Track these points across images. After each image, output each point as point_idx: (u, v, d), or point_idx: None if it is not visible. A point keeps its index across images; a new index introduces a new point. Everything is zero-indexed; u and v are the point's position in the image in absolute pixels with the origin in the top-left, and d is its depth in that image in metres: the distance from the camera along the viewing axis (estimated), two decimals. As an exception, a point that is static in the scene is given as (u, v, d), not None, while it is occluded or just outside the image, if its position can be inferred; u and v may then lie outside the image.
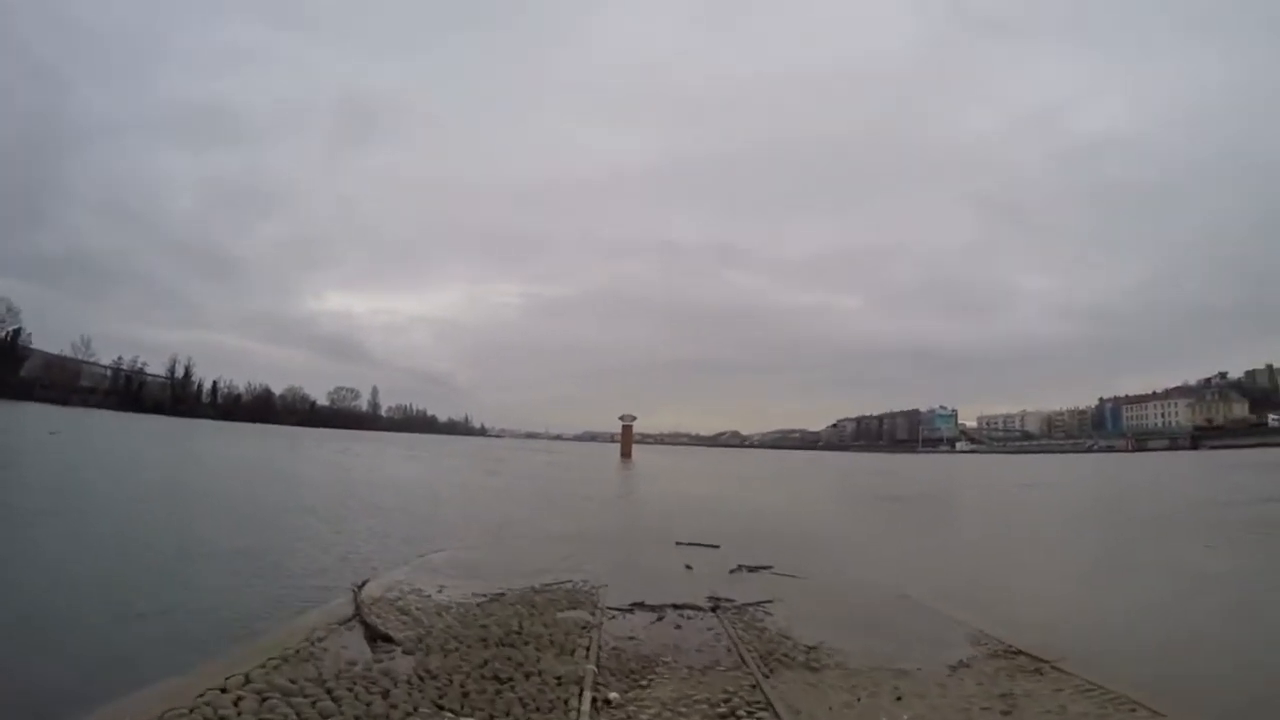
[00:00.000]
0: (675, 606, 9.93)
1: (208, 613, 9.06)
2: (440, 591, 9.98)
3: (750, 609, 10.13)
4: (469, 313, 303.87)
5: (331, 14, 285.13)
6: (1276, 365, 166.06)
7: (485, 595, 9.88)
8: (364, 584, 10.09)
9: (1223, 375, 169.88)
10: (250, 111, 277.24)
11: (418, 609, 8.94)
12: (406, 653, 7.20)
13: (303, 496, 23.23)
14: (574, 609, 9.48)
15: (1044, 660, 7.99)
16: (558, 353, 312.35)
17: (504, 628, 8.22)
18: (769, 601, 10.55)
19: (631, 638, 8.38)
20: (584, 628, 8.55)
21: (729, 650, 8.13)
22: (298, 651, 6.96)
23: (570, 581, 11.20)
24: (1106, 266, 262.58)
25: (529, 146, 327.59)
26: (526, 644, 7.68)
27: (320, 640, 7.37)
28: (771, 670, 7.49)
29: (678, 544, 15.94)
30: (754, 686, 6.94)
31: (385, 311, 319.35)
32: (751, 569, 13.25)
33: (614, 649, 7.87)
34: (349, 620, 8.17)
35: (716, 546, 15.86)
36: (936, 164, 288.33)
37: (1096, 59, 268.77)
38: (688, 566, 13.29)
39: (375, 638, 7.53)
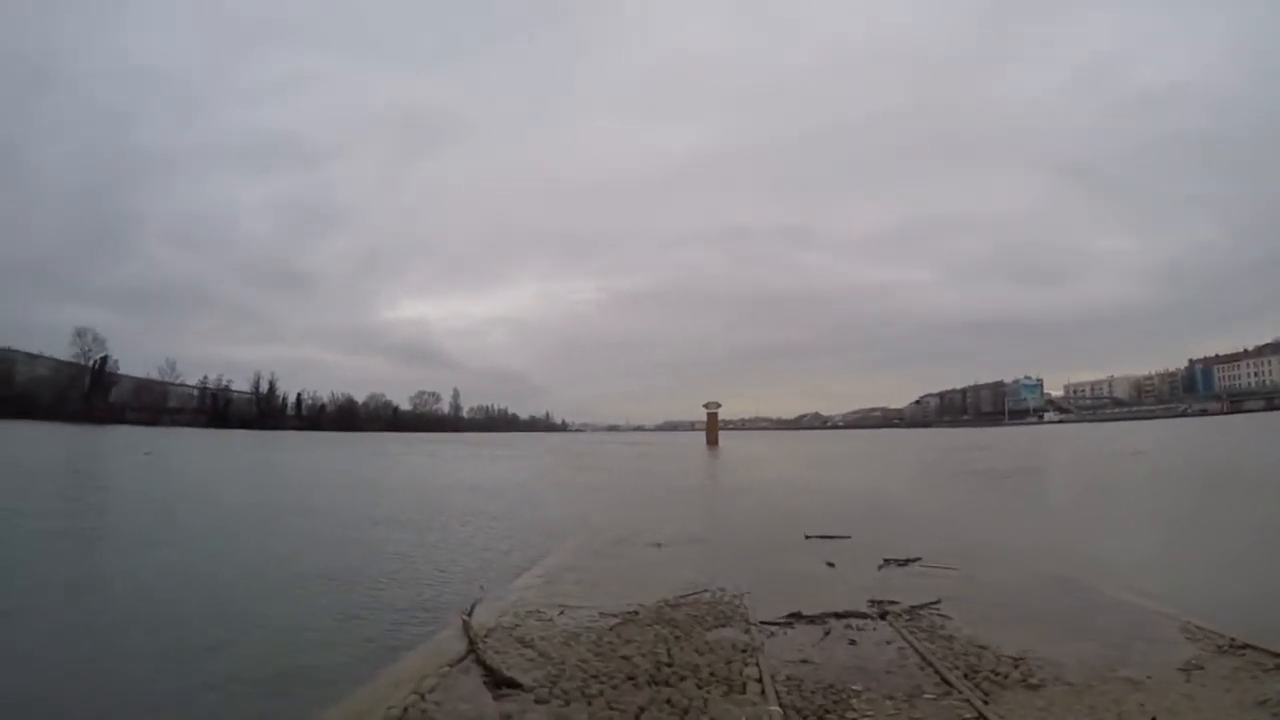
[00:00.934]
0: (837, 615, 8.36)
1: (294, 659, 7.84)
2: (562, 613, 8.45)
3: (921, 612, 8.57)
4: (543, 311, 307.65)
5: (384, 32, 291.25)
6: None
7: (615, 615, 8.37)
8: (472, 609, 8.64)
9: None
10: (312, 133, 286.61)
11: (541, 638, 7.44)
12: (539, 701, 5.76)
13: (393, 507, 22.02)
14: (723, 626, 7.96)
15: (1278, 654, 6.63)
16: (633, 345, 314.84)
17: (651, 658, 6.75)
18: (936, 602, 9.01)
19: (804, 660, 6.84)
20: (743, 651, 7.05)
21: (923, 668, 6.63)
22: (406, 710, 5.56)
23: (706, 590, 9.64)
24: (1182, 223, 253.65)
25: (588, 145, 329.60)
26: (683, 679, 6.21)
27: (431, 691, 5.94)
28: (988, 694, 6.01)
29: (806, 537, 14.38)
30: (977, 717, 5.48)
31: (460, 315, 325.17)
32: (900, 563, 11.66)
33: (789, 678, 6.34)
34: (462, 659, 6.72)
35: (848, 537, 14.36)
36: (996, 129, 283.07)
37: (1146, 13, 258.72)
38: (829, 564, 11.70)
39: (498, 683, 6.08)
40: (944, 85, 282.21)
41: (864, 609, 8.67)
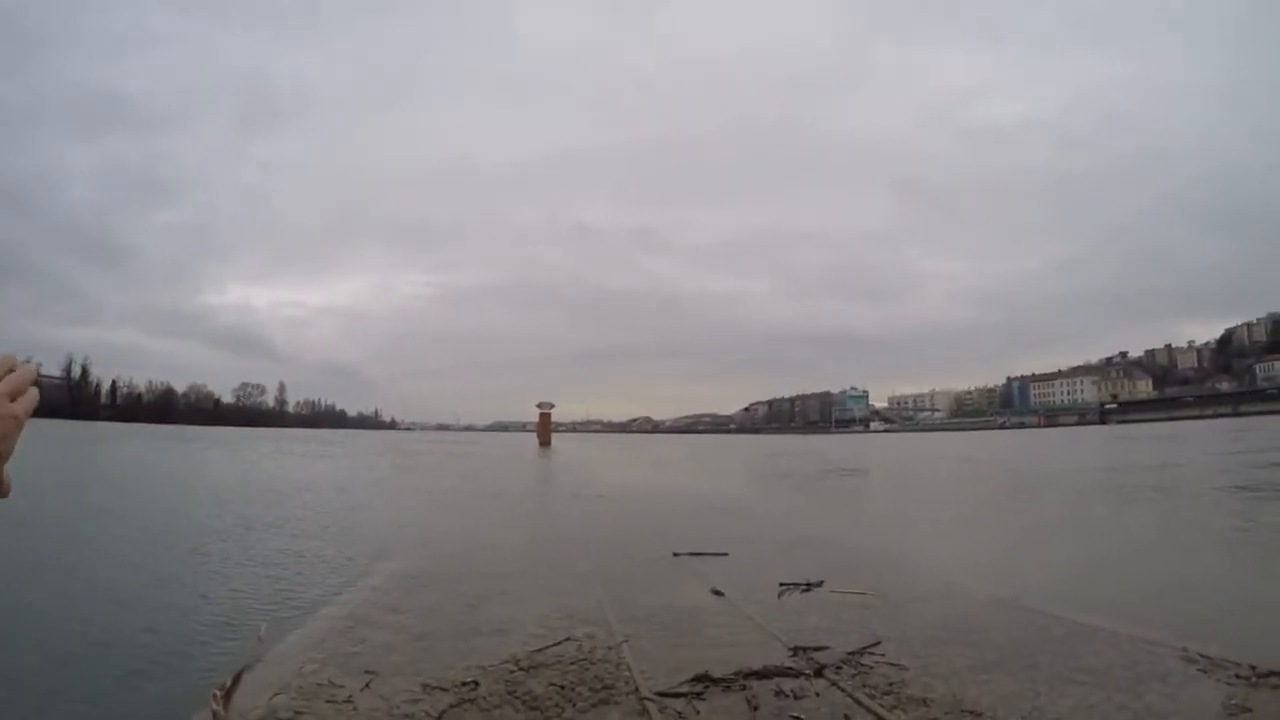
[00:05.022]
0: (758, 674, 6.01)
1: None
2: (368, 687, 5.65)
3: (864, 662, 6.41)
4: (376, 303, 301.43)
5: None
6: (1174, 345, 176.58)
7: (444, 687, 5.66)
8: (235, 682, 5.71)
9: (1123, 354, 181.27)
10: (150, 97, 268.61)
11: (332, 743, 4.69)
12: None
13: (194, 518, 17.37)
14: (604, 703, 5.42)
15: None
16: (467, 342, 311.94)
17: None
18: (876, 644, 6.89)
19: (744, 768, 4.46)
20: (648, 752, 4.59)
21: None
22: None
23: (570, 638, 7.07)
24: (1012, 251, 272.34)
25: (435, 134, 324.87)
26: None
27: None
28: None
29: (675, 555, 12.15)
30: None
31: (289, 304, 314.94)
32: (803, 588, 9.53)
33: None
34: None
35: (725, 554, 12.28)
36: (847, 151, 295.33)
37: (1007, 53, 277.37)
38: (716, 591, 9.38)
39: None
40: (799, 103, 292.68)
41: (789, 661, 6.40)
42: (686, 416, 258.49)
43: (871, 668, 6.23)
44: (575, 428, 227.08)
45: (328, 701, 5.39)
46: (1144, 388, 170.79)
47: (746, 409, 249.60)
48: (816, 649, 6.72)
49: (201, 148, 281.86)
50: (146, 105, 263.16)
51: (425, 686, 5.70)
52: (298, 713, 5.16)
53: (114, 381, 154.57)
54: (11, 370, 1.12)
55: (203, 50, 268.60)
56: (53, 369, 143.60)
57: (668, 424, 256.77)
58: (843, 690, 5.66)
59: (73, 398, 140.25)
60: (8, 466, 1.12)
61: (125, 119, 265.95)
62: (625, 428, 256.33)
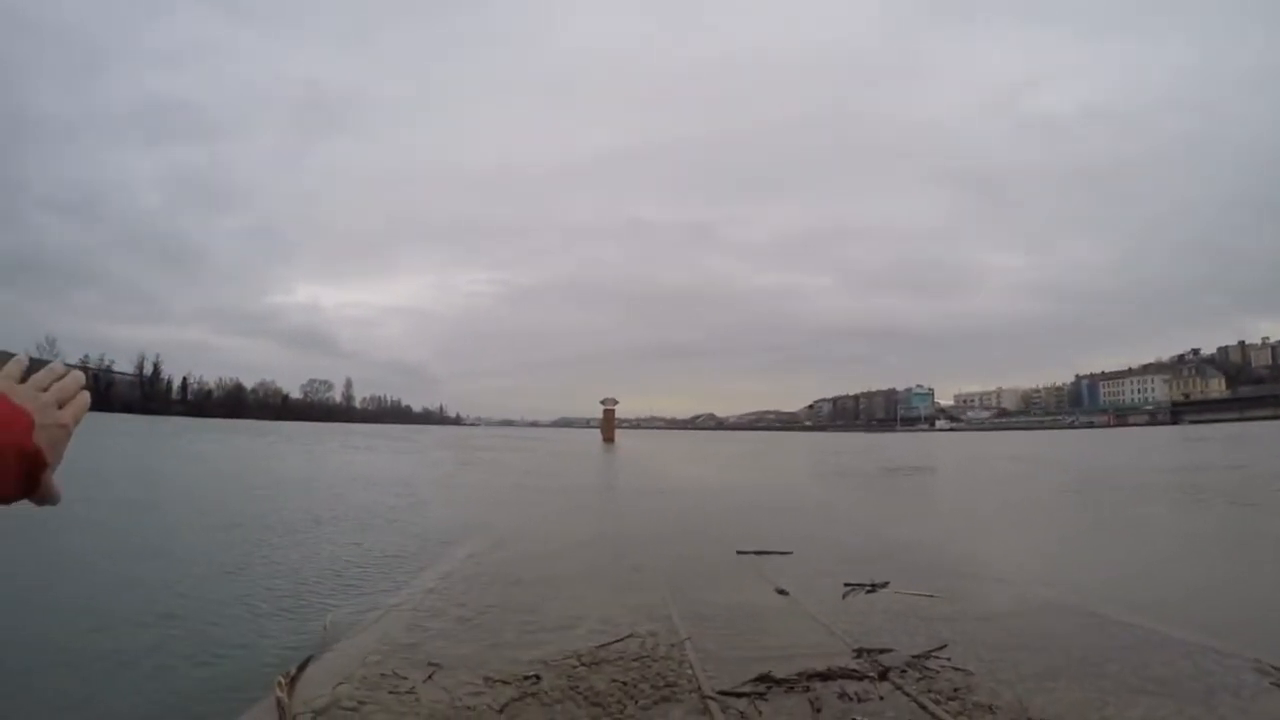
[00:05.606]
0: (821, 676, 5.90)
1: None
2: (430, 678, 5.73)
3: (929, 665, 6.24)
4: (439, 302, 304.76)
5: (291, 7, 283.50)
6: (1248, 342, 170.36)
7: (507, 680, 5.71)
8: (300, 670, 5.85)
9: (1195, 352, 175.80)
10: (212, 106, 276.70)
11: (397, 732, 4.75)
12: None
13: (262, 511, 17.73)
14: (666, 700, 5.38)
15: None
16: (530, 339, 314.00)
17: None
18: (941, 647, 6.71)
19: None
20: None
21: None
22: None
23: (633, 635, 7.06)
24: (1075, 244, 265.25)
25: (494, 135, 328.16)
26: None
27: None
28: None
29: (739, 553, 12.04)
30: None
31: (355, 303, 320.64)
32: (868, 589, 9.35)
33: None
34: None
35: (789, 553, 12.07)
36: (903, 144, 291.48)
37: (1062, 40, 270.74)
38: (781, 591, 9.28)
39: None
40: (853, 96, 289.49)
41: (852, 663, 6.27)
42: (750, 413, 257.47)
43: (937, 672, 6.08)
44: (639, 424, 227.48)
45: (390, 692, 5.46)
46: (1216, 386, 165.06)
47: (811, 406, 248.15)
48: (881, 651, 6.59)
49: (264, 153, 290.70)
50: (207, 114, 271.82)
51: (487, 680, 5.74)
52: (361, 702, 5.24)
53: (185, 378, 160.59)
54: (60, 378, 1.13)
55: (260, 59, 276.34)
56: (126, 366, 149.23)
57: (732, 421, 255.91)
58: (907, 694, 5.54)
59: (145, 394, 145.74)
60: (56, 474, 1.08)
61: (188, 128, 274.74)
62: (689, 424, 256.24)
